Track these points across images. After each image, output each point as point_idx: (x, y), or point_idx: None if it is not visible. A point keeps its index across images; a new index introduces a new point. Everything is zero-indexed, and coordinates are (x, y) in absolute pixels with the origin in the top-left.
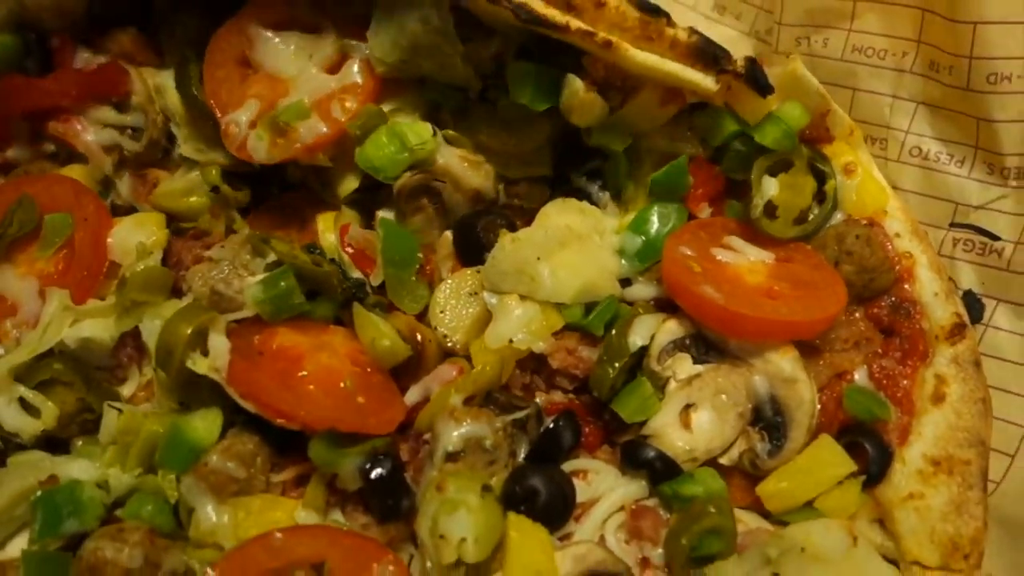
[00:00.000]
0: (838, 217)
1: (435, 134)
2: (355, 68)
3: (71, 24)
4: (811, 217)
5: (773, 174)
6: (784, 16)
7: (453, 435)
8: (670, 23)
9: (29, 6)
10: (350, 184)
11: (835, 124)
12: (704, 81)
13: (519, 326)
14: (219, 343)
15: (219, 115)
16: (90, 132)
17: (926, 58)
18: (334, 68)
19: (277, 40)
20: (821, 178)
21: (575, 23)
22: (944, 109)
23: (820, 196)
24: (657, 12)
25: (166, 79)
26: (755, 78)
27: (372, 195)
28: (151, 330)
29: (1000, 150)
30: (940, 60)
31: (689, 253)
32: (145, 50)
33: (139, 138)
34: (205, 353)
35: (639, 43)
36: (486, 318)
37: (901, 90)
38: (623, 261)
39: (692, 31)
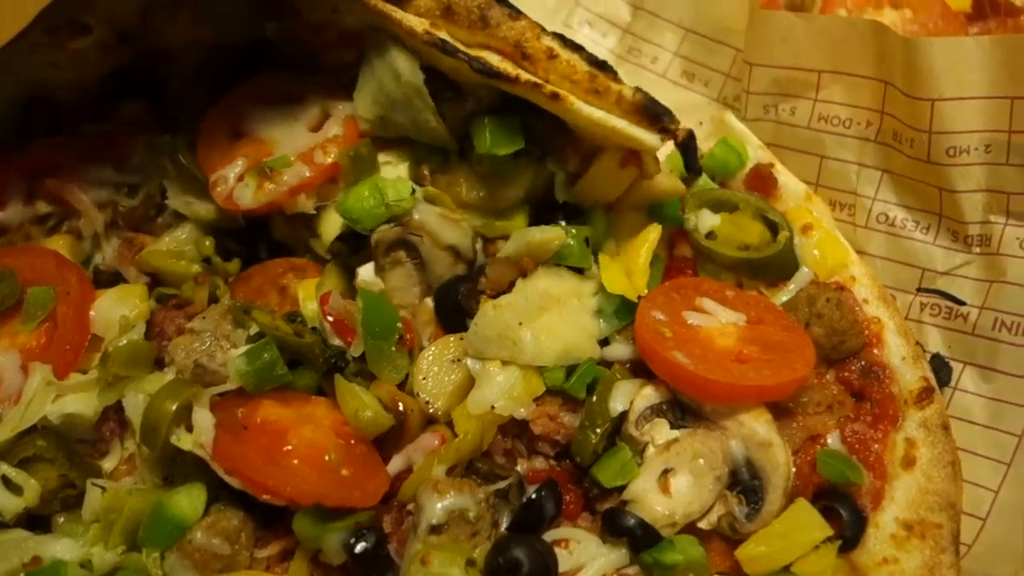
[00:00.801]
0: (805, 276)
1: (414, 192)
2: (336, 125)
3: (83, 95)
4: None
5: (715, 211)
6: (751, 85)
7: (436, 507)
8: (616, 80)
9: (48, 81)
10: (332, 232)
11: (787, 190)
12: (648, 138)
13: (501, 392)
14: (204, 418)
15: (208, 174)
16: (87, 189)
17: (889, 128)
18: (317, 127)
19: (265, 111)
20: (774, 229)
21: (524, 75)
22: (908, 178)
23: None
24: (605, 67)
25: (164, 141)
26: (687, 150)
27: (353, 249)
28: (134, 405)
29: (962, 219)
30: (902, 132)
31: (661, 317)
32: (151, 120)
33: (135, 195)
34: (189, 428)
35: (587, 97)
36: (468, 384)
37: (866, 158)
38: (601, 321)
39: (637, 89)
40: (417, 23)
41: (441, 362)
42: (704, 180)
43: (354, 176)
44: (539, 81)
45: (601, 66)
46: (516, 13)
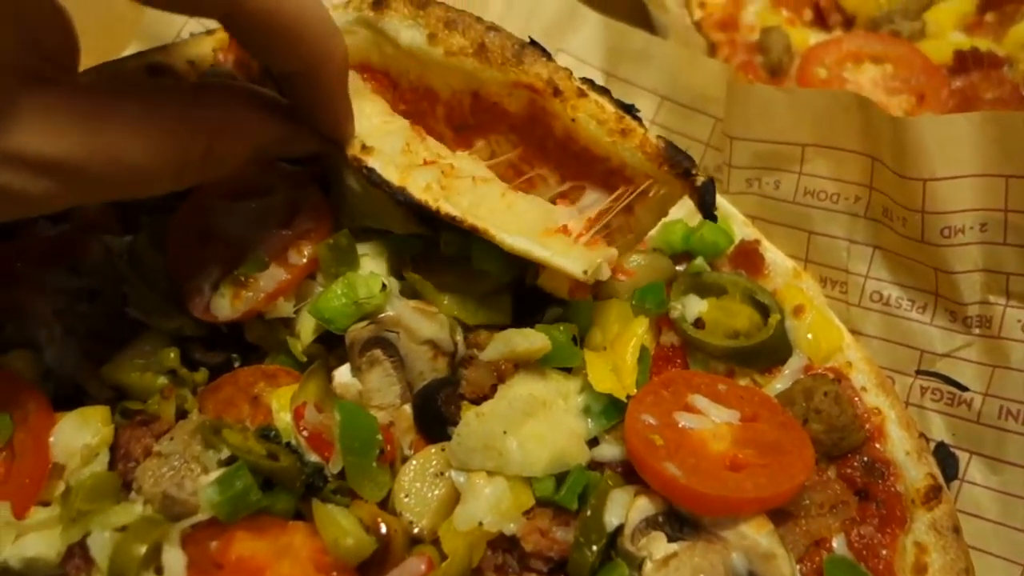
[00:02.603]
0: (799, 361)
1: (383, 288)
2: (307, 219)
3: None
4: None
5: (702, 296)
6: (733, 158)
7: None
8: (641, 124)
9: None
10: (310, 332)
11: (775, 267)
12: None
13: (488, 506)
14: (174, 560)
15: (182, 283)
16: (43, 296)
17: (879, 204)
18: (286, 222)
19: (232, 209)
20: (764, 312)
21: (445, 207)
22: (901, 256)
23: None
24: (631, 110)
25: (125, 243)
26: (705, 197)
27: (332, 349)
28: (100, 545)
29: (960, 300)
30: (893, 209)
31: (651, 422)
32: (110, 220)
33: (94, 300)
34: (159, 571)
35: (613, 136)
36: (453, 499)
37: (857, 234)
38: (589, 421)
39: (660, 136)
40: (349, 153)
41: (424, 477)
42: (699, 262)
43: (334, 270)
44: (460, 216)
45: (628, 109)
46: (549, 56)
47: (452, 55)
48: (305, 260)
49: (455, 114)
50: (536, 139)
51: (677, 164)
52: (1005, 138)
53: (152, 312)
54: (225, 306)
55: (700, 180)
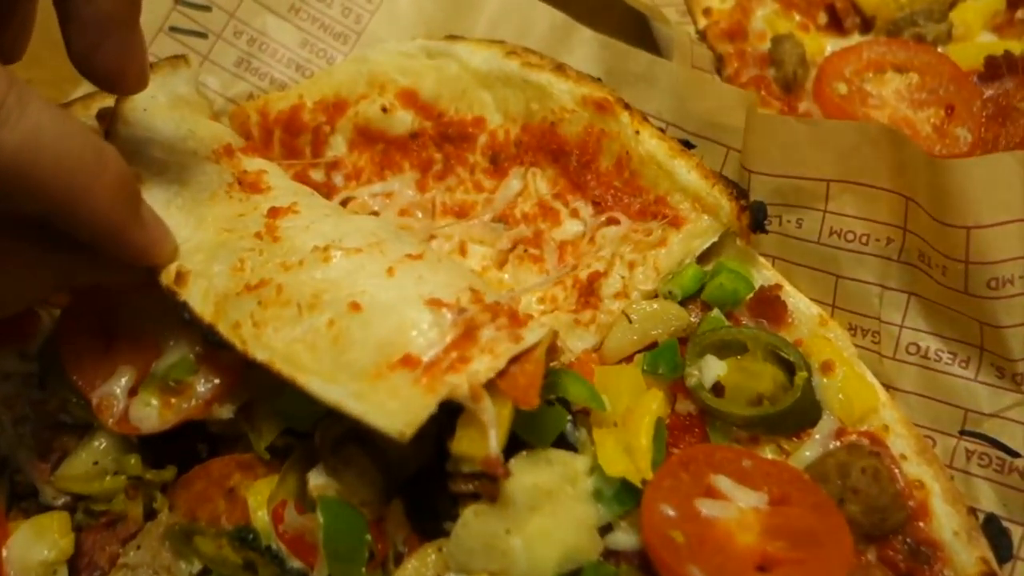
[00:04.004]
0: (830, 424)
1: None
2: None
3: None
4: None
5: (721, 357)
6: (752, 193)
7: None
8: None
9: None
10: (269, 434)
11: (799, 315)
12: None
13: None
14: None
15: (87, 391)
16: None
17: (914, 248)
18: None
19: (138, 301)
20: (789, 368)
21: (252, 351)
22: (941, 305)
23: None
24: (691, 146)
25: None
26: (757, 215)
27: (303, 437)
28: None
29: (1010, 355)
30: (931, 255)
31: (671, 514)
32: (60, 293)
33: (45, 385)
34: None
35: (674, 151)
36: None
37: (890, 280)
38: (601, 506)
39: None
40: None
41: None
42: (716, 315)
43: None
44: (264, 362)
45: (689, 145)
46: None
47: (531, 66)
48: (240, 361)
49: (497, 143)
50: (576, 169)
51: (730, 184)
52: None
53: (90, 414)
54: (152, 416)
55: (747, 202)
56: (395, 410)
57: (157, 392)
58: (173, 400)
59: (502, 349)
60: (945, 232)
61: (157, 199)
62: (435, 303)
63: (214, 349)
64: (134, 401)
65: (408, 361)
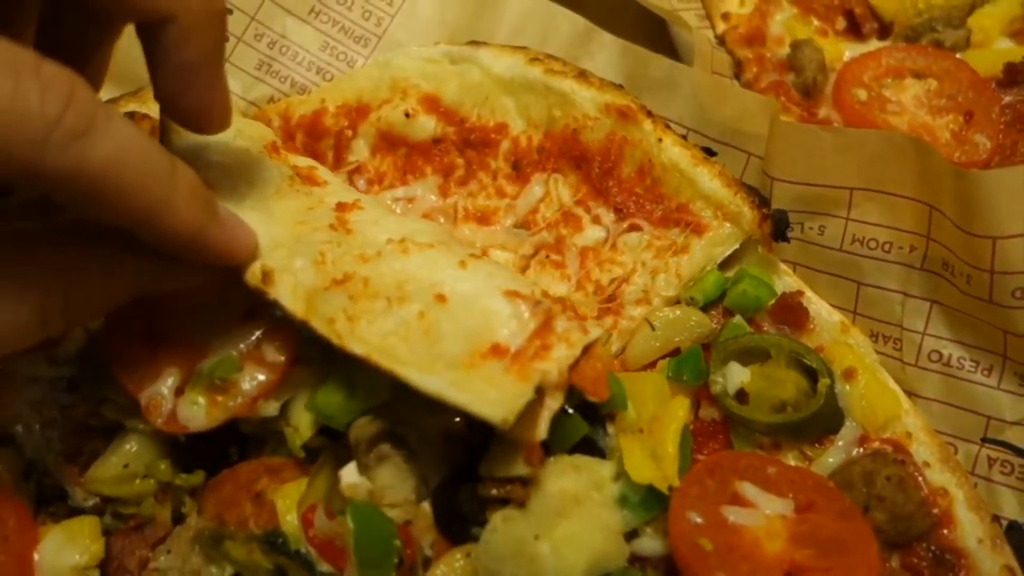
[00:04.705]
0: (853, 431)
1: None
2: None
3: None
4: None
5: (744, 364)
6: (773, 201)
7: None
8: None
9: None
10: (306, 431)
11: (820, 321)
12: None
13: None
14: None
15: (136, 392)
16: (19, 389)
17: (938, 257)
18: (249, 313)
19: (180, 304)
20: (812, 375)
21: (350, 346)
22: (964, 314)
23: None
24: (713, 153)
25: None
26: (779, 223)
27: (336, 439)
28: None
29: None
30: (955, 264)
31: (699, 521)
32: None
33: (74, 390)
34: None
35: (696, 159)
36: None
37: (912, 287)
38: (626, 512)
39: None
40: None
41: None
42: (738, 321)
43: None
44: (362, 355)
45: (711, 152)
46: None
47: (554, 73)
48: (285, 356)
49: (519, 149)
50: (599, 176)
51: (752, 192)
52: None
53: (127, 415)
54: (199, 415)
55: (768, 210)
56: (495, 399)
57: (204, 391)
58: (219, 398)
59: (575, 338)
60: (971, 242)
61: (228, 201)
62: (512, 294)
63: (257, 347)
64: (181, 401)
65: (497, 350)
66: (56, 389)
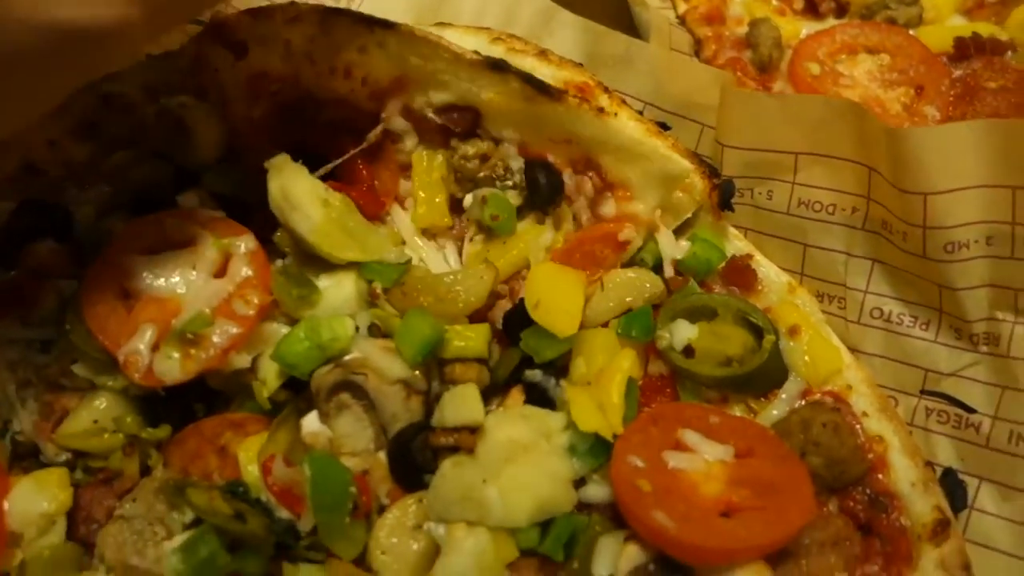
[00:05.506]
0: (796, 385)
1: (357, 330)
2: (241, 264)
3: None
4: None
5: (693, 322)
6: (724, 167)
7: None
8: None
9: None
10: (273, 376)
11: (769, 283)
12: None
13: (470, 562)
14: None
15: (113, 349)
16: None
17: (877, 217)
18: (220, 272)
19: (154, 264)
20: (758, 333)
21: (573, 92)
22: (902, 271)
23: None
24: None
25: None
26: (724, 193)
27: (300, 392)
28: None
29: (966, 317)
30: (893, 223)
31: (639, 464)
32: (62, 263)
33: (48, 350)
34: None
35: (651, 134)
36: (433, 552)
37: (855, 247)
38: (575, 460)
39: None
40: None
41: (401, 531)
42: (692, 285)
43: (293, 303)
44: (585, 98)
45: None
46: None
47: (516, 52)
48: (254, 310)
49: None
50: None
51: (703, 163)
52: (1010, 147)
53: (99, 372)
54: (174, 368)
55: (718, 180)
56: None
57: (177, 345)
58: (193, 351)
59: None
60: (904, 199)
61: None
62: None
63: (228, 303)
64: (157, 356)
65: None
66: (30, 350)
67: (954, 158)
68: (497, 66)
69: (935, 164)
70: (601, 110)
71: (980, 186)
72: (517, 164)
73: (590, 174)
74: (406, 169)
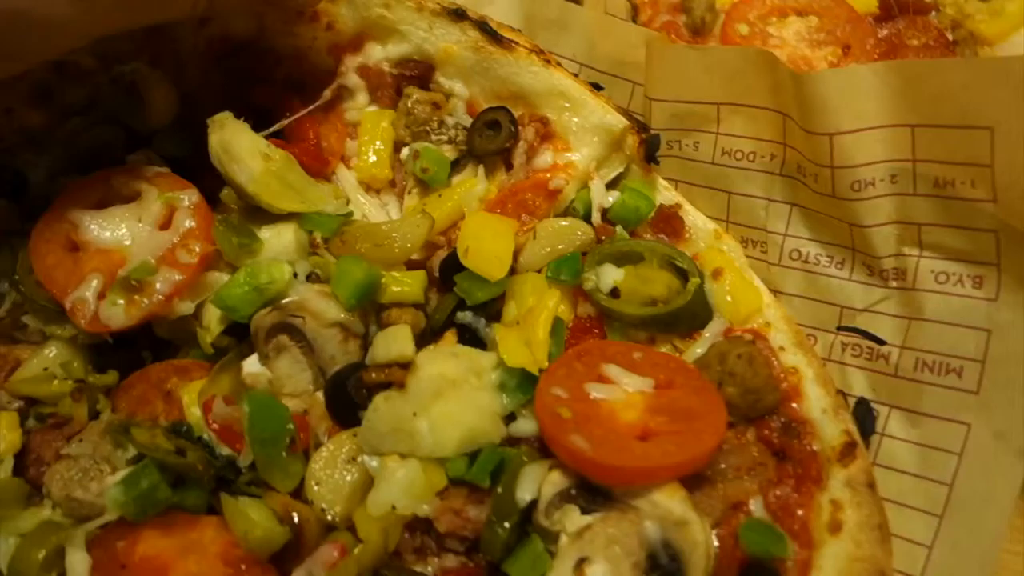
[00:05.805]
0: (719, 325)
1: (296, 276)
2: (185, 217)
3: None
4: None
5: (619, 266)
6: (653, 120)
7: None
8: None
9: None
10: (216, 323)
11: (696, 230)
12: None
13: (401, 490)
14: (77, 562)
15: (61, 298)
16: None
17: (793, 161)
18: (165, 224)
19: (100, 217)
20: (684, 276)
21: (523, 41)
22: (817, 212)
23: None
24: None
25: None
26: (650, 146)
27: (242, 339)
28: (3, 550)
29: (875, 253)
30: (805, 166)
31: (562, 395)
32: (14, 220)
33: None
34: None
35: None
36: (367, 484)
37: (774, 193)
38: (504, 396)
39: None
40: None
41: (335, 464)
42: (619, 231)
43: (234, 252)
44: (537, 49)
45: (598, 88)
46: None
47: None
48: (196, 258)
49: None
50: None
51: (633, 120)
52: (908, 87)
53: (49, 322)
54: (119, 314)
55: (645, 135)
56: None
57: (122, 292)
58: (137, 297)
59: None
60: (813, 140)
61: None
62: None
63: (172, 252)
64: (103, 303)
65: None
66: None
67: (856, 99)
68: (457, 14)
69: (839, 105)
70: (548, 61)
71: (882, 126)
72: (453, 120)
73: (535, 124)
74: (354, 130)
